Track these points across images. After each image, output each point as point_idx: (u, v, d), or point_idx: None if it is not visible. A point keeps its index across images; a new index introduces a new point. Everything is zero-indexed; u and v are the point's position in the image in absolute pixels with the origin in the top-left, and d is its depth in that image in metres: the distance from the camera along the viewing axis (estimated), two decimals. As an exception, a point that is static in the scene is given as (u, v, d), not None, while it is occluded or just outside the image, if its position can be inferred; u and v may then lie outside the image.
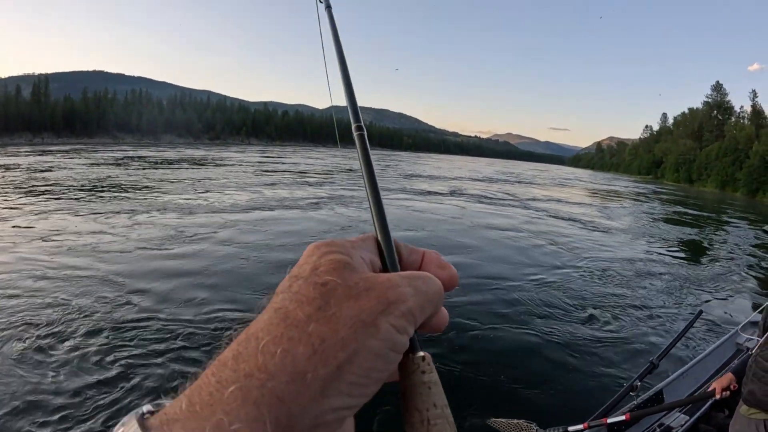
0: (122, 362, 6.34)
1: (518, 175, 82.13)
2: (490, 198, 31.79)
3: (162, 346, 6.85)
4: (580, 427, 4.12)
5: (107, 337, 7.03)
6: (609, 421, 4.16)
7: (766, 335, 3.29)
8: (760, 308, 6.95)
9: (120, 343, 6.84)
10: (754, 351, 3.38)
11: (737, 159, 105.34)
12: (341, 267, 0.40)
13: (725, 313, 11.24)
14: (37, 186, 24.07)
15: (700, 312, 5.33)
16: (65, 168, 35.31)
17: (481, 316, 8.72)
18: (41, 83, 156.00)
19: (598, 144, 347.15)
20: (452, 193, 32.40)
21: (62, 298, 8.48)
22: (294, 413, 0.33)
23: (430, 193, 31.59)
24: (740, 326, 6.51)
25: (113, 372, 6.12)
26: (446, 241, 15.64)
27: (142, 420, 0.36)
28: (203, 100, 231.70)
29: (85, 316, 7.74)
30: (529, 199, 33.61)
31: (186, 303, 8.52)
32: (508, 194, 37.11)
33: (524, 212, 25.75)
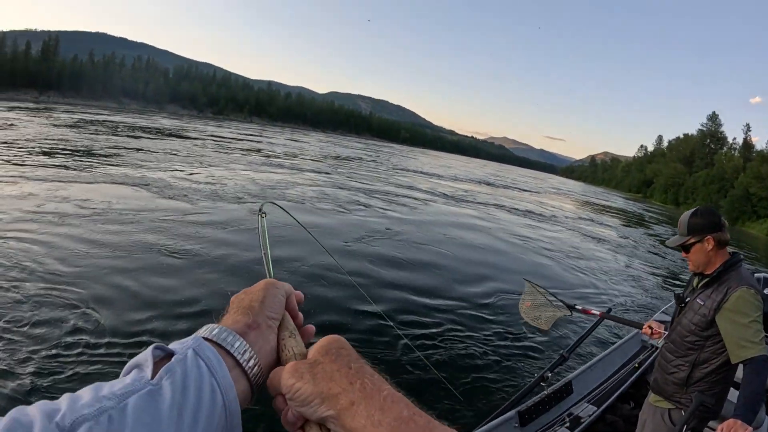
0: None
1: (512, 179, 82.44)
2: (470, 201, 31.63)
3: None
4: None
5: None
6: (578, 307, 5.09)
7: (669, 329, 3.61)
8: (665, 308, 7.63)
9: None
10: (660, 342, 3.81)
11: (722, 187, 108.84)
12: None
13: (633, 311, 12.16)
14: (43, 146, 23.75)
15: (609, 309, 5.28)
16: (67, 128, 36.13)
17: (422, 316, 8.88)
18: (51, 42, 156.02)
19: (593, 158, 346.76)
20: (442, 195, 31.37)
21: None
22: (257, 313, 0.74)
23: (431, 193, 31.35)
24: (646, 324, 6.68)
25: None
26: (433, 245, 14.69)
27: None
28: (209, 74, 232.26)
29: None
30: (520, 209, 32.83)
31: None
32: (502, 199, 37.19)
33: (502, 216, 26.41)
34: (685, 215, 3.34)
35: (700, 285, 3.30)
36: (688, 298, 3.39)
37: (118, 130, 42.30)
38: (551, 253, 17.45)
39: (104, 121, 54.19)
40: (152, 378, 0.57)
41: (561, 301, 5.27)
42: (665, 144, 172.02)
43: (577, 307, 5.12)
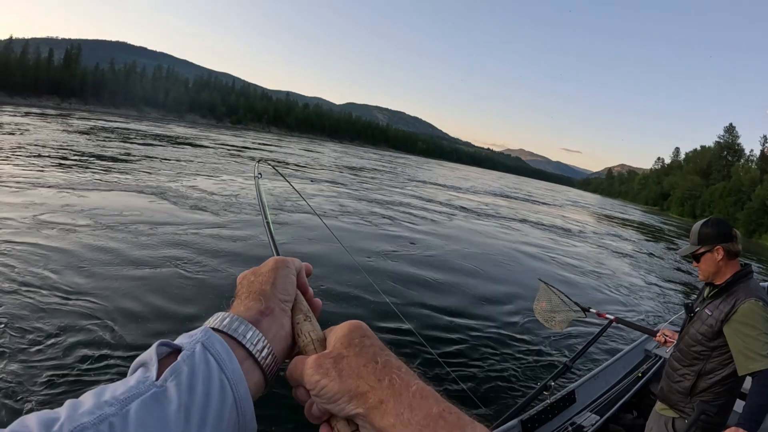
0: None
1: (529, 192, 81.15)
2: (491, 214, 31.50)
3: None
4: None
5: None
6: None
7: (677, 338, 3.63)
8: (675, 317, 7.72)
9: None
10: (668, 350, 3.82)
11: (739, 200, 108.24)
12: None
13: (646, 320, 11.97)
14: (72, 151, 24.84)
15: (618, 318, 5.12)
16: (87, 136, 36.92)
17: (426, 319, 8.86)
18: (74, 50, 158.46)
19: (609, 170, 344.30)
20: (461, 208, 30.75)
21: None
22: (269, 298, 0.72)
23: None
24: (660, 332, 5.67)
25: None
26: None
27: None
28: (228, 84, 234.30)
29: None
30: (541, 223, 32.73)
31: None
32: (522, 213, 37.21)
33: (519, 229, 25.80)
34: (697, 225, 3.41)
35: (709, 295, 3.34)
36: (698, 308, 3.43)
37: (138, 138, 42.94)
38: (566, 263, 17.65)
39: (125, 129, 55.14)
40: (157, 378, 0.55)
41: (575, 302, 5.32)
42: (682, 156, 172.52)
43: (591, 309, 5.17)
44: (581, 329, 9.45)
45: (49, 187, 14.72)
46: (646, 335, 6.30)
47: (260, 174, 1.17)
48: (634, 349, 6.50)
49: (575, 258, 19.33)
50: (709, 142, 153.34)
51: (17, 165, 18.17)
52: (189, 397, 0.55)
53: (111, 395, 0.52)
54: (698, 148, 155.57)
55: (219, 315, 0.68)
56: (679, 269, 23.17)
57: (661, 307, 14.20)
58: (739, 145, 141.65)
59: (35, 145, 25.34)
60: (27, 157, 20.72)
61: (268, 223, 1.03)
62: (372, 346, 0.66)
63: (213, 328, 0.65)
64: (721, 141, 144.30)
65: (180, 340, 0.62)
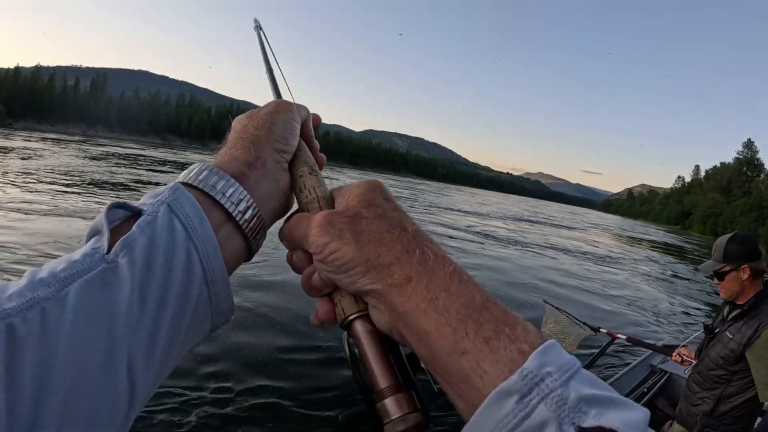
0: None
1: (550, 216, 79.78)
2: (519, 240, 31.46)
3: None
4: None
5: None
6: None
7: (696, 360, 3.50)
8: (692, 336, 7.63)
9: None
10: (686, 372, 3.75)
11: (761, 215, 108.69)
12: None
13: (652, 340, 11.62)
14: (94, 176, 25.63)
15: (627, 336, 4.97)
16: (112, 162, 38.11)
17: None
18: (100, 79, 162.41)
19: (630, 191, 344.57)
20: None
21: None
22: (262, 146, 0.59)
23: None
24: (675, 351, 5.41)
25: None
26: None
27: None
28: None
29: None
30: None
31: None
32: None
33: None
34: (722, 240, 3.29)
35: (730, 317, 3.24)
36: (718, 329, 3.33)
37: (164, 166, 44.24)
38: (580, 283, 17.76)
39: (149, 156, 57.35)
40: (109, 250, 0.44)
41: (584, 323, 5.31)
42: (702, 174, 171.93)
43: (601, 329, 5.15)
44: (590, 343, 9.22)
45: (65, 215, 14.56)
46: (648, 353, 6.56)
47: (260, 26, 1.06)
48: (639, 365, 6.51)
49: (592, 278, 19.48)
50: (729, 159, 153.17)
51: (35, 191, 18.28)
52: (145, 275, 0.44)
53: (49, 273, 0.42)
54: (718, 164, 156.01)
55: (196, 166, 0.56)
56: (698, 288, 23.21)
57: (679, 326, 14.34)
58: (758, 159, 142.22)
59: (59, 173, 25.73)
60: (48, 183, 20.91)
61: (268, 60, 0.87)
62: (396, 211, 0.53)
63: (185, 183, 0.53)
64: (741, 157, 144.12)
65: (144, 200, 0.50)
